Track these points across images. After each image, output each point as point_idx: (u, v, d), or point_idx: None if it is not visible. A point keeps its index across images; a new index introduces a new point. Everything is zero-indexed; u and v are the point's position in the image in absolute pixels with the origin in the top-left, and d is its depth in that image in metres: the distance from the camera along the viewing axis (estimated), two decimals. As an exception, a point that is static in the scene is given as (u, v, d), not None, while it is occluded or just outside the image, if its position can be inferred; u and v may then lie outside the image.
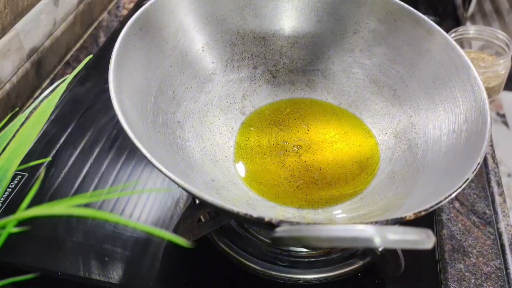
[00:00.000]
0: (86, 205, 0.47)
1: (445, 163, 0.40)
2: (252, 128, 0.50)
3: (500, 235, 0.49)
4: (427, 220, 0.48)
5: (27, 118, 0.33)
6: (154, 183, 0.50)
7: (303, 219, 0.42)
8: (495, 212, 0.52)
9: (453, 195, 0.32)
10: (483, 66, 0.61)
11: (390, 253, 0.40)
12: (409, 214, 0.30)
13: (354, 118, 0.51)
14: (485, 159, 0.57)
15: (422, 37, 0.47)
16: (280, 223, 0.29)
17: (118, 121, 0.34)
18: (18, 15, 0.59)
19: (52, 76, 0.68)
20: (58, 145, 0.54)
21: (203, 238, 0.43)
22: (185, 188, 0.31)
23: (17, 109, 0.62)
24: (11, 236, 0.25)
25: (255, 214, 0.30)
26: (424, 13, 0.47)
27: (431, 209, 0.31)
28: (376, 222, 0.31)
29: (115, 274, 0.42)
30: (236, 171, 0.46)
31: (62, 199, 0.26)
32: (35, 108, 0.34)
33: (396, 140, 0.47)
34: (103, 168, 0.51)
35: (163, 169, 0.32)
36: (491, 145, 0.60)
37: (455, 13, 0.86)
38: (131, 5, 0.82)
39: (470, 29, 0.67)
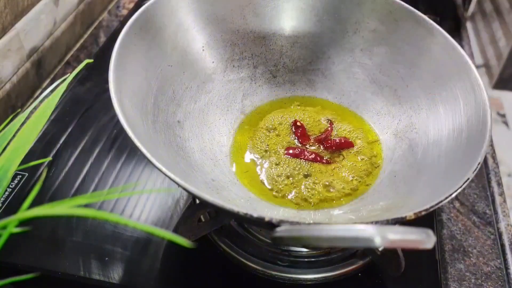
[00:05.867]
0: (87, 206, 0.47)
1: (445, 163, 0.40)
2: (252, 128, 0.50)
3: (500, 235, 0.49)
4: (427, 220, 0.48)
5: (27, 118, 0.33)
6: (154, 183, 0.50)
7: (303, 219, 0.42)
8: (495, 212, 0.52)
9: (454, 195, 0.32)
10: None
11: (390, 253, 0.40)
12: (410, 214, 0.30)
13: (355, 118, 0.51)
14: (485, 159, 0.57)
15: (422, 37, 0.47)
16: (280, 223, 0.29)
17: (118, 121, 0.34)
18: (18, 15, 0.59)
19: (52, 76, 0.68)
20: (58, 145, 0.54)
21: (203, 238, 0.43)
22: (185, 188, 0.31)
23: (19, 110, 0.62)
24: (11, 236, 0.25)
25: (255, 214, 0.30)
26: (424, 13, 0.47)
27: (431, 209, 0.31)
28: (376, 222, 0.31)
29: (115, 274, 0.42)
30: (236, 171, 0.46)
31: (63, 199, 0.25)
32: (35, 108, 0.34)
33: (397, 140, 0.47)
34: (103, 168, 0.51)
35: (163, 169, 0.32)
36: (491, 145, 0.60)
37: (455, 13, 0.86)
38: (131, 5, 0.82)
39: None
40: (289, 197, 0.44)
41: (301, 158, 0.46)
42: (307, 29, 0.52)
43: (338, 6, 0.51)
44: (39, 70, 0.66)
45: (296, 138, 0.49)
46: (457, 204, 0.52)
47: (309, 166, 0.46)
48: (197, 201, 0.47)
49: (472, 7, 1.76)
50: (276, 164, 0.46)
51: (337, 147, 0.48)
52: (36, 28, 0.63)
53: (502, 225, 0.50)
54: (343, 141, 0.48)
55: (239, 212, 0.30)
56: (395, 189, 0.42)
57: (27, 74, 0.63)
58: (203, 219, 0.44)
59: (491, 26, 1.73)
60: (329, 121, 0.50)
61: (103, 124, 0.57)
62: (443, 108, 0.44)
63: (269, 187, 0.45)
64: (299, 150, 0.47)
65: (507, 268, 0.46)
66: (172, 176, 0.31)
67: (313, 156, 0.46)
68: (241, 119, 0.51)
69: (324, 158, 0.46)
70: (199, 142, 0.46)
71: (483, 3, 1.82)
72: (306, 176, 0.45)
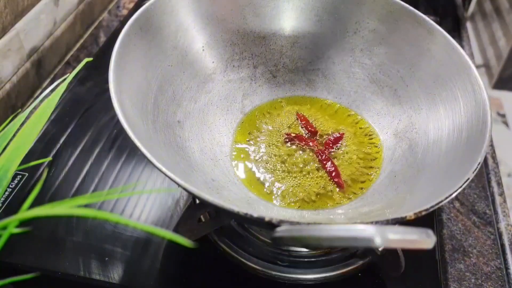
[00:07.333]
0: (87, 206, 0.47)
1: (445, 163, 0.40)
2: (252, 128, 0.50)
3: (500, 235, 0.49)
4: (427, 220, 0.48)
5: (27, 118, 0.33)
6: (154, 183, 0.50)
7: (303, 219, 0.42)
8: (495, 212, 0.52)
9: (454, 195, 0.32)
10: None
11: (390, 253, 0.40)
12: (410, 214, 0.30)
13: (355, 117, 0.51)
14: (485, 159, 0.57)
15: (422, 37, 0.47)
16: (280, 223, 0.29)
17: (118, 121, 0.34)
18: (18, 15, 0.59)
19: (52, 76, 0.68)
20: (58, 145, 0.54)
21: (204, 238, 0.43)
22: (185, 188, 0.31)
23: (19, 110, 0.62)
24: (11, 236, 0.25)
25: (255, 214, 0.30)
26: (424, 13, 0.47)
27: (431, 209, 0.31)
28: (376, 222, 0.31)
29: (115, 274, 0.42)
30: (236, 170, 0.46)
31: (63, 199, 0.25)
32: (35, 108, 0.34)
33: (397, 140, 0.47)
34: (103, 168, 0.51)
35: (163, 169, 0.32)
36: (491, 145, 0.60)
37: (455, 13, 0.86)
38: (131, 5, 0.82)
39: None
40: (290, 197, 0.44)
41: (318, 157, 0.47)
42: (307, 29, 0.52)
43: (338, 6, 0.51)
44: (39, 70, 0.66)
45: (304, 128, 0.49)
46: (457, 204, 0.52)
47: (309, 166, 0.46)
48: (197, 201, 0.47)
49: (472, 7, 1.76)
50: (276, 164, 0.46)
51: (334, 143, 0.48)
52: (36, 28, 0.63)
53: (502, 225, 0.50)
54: (338, 134, 0.49)
55: (239, 212, 0.30)
56: (395, 189, 0.42)
57: (27, 74, 0.63)
58: (203, 219, 0.44)
59: (491, 26, 1.73)
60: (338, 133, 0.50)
61: (103, 124, 0.57)
62: (443, 108, 0.44)
63: (269, 186, 0.45)
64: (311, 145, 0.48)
65: (507, 268, 0.46)
66: (172, 176, 0.31)
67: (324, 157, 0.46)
68: (241, 119, 0.51)
69: (331, 159, 0.47)
70: (199, 142, 0.46)
71: (483, 3, 1.82)
72: (306, 176, 0.45)
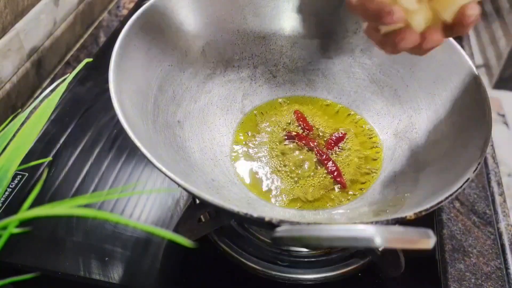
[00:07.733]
0: (87, 206, 0.47)
1: (445, 163, 0.40)
2: (252, 128, 0.50)
3: (500, 235, 0.49)
4: (427, 220, 0.48)
5: (27, 118, 0.33)
6: (154, 183, 0.50)
7: (303, 219, 0.42)
8: (495, 212, 0.51)
9: (454, 195, 0.32)
10: None
11: (390, 253, 0.40)
12: (410, 214, 0.30)
13: (355, 117, 0.51)
14: (485, 159, 0.57)
15: (422, 37, 0.47)
16: (280, 222, 0.29)
17: (118, 121, 0.34)
18: (18, 15, 0.59)
19: (52, 76, 0.68)
20: (58, 145, 0.54)
21: (203, 238, 0.43)
22: (185, 187, 0.31)
23: (19, 110, 0.62)
24: (11, 236, 0.25)
25: (255, 214, 0.30)
26: (424, 13, 0.47)
27: (431, 209, 0.31)
28: (376, 222, 0.31)
29: (115, 274, 0.42)
30: (236, 170, 0.46)
31: (63, 199, 0.25)
32: (35, 108, 0.34)
33: (397, 140, 0.47)
34: (103, 168, 0.51)
35: (163, 169, 0.32)
36: (491, 145, 0.60)
37: (455, 13, 0.85)
38: (131, 5, 0.82)
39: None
40: (289, 197, 0.44)
41: (320, 158, 0.46)
42: (307, 29, 0.52)
43: (338, 7, 0.51)
44: (39, 70, 0.66)
45: (300, 125, 0.49)
46: (457, 204, 0.52)
47: (309, 166, 0.46)
48: (197, 201, 0.47)
49: (472, 7, 1.75)
50: (276, 164, 0.46)
51: (336, 143, 0.48)
52: (36, 28, 0.63)
53: (502, 225, 0.50)
54: (340, 134, 0.49)
55: (239, 212, 0.30)
56: (395, 189, 0.42)
57: (27, 74, 0.63)
58: (203, 219, 0.44)
59: (491, 26, 1.73)
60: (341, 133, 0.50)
61: (103, 124, 0.57)
62: (443, 108, 0.44)
63: (269, 186, 0.45)
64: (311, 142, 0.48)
65: (507, 268, 0.46)
66: (172, 176, 0.31)
67: (324, 156, 0.46)
68: (241, 119, 0.51)
69: (332, 159, 0.47)
70: (199, 142, 0.46)
71: (483, 3, 1.82)
72: (307, 176, 0.45)
